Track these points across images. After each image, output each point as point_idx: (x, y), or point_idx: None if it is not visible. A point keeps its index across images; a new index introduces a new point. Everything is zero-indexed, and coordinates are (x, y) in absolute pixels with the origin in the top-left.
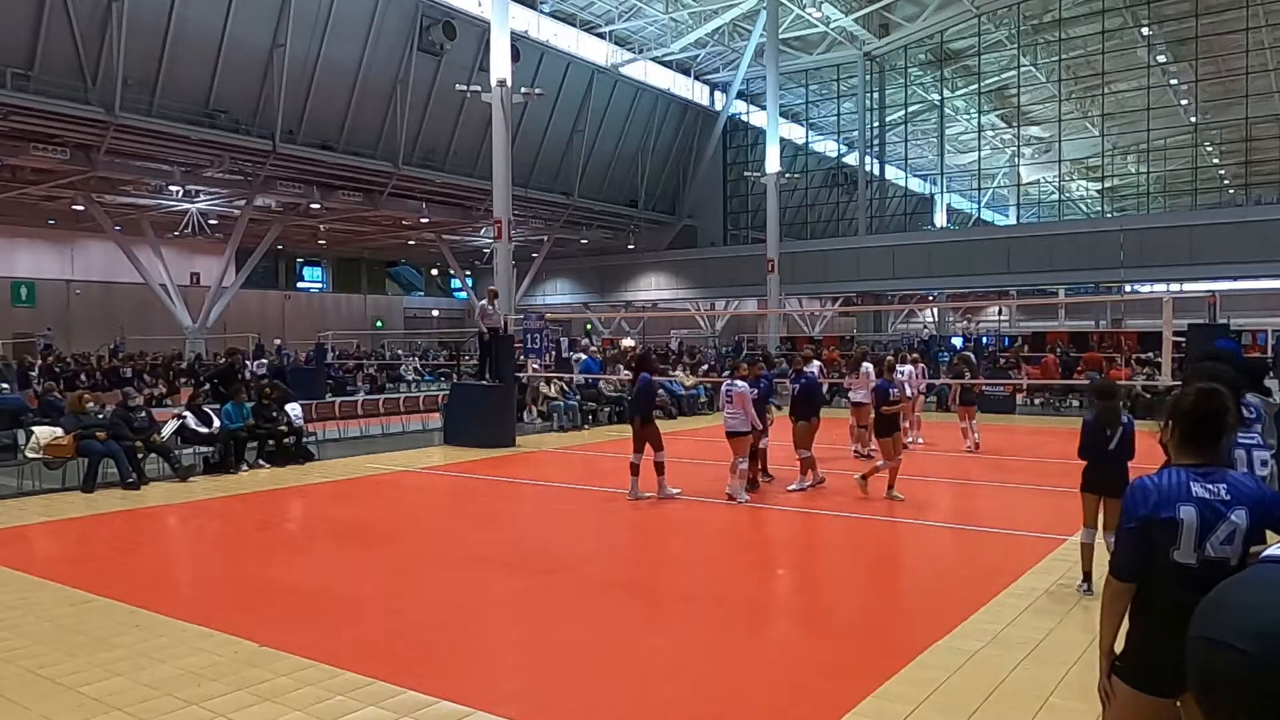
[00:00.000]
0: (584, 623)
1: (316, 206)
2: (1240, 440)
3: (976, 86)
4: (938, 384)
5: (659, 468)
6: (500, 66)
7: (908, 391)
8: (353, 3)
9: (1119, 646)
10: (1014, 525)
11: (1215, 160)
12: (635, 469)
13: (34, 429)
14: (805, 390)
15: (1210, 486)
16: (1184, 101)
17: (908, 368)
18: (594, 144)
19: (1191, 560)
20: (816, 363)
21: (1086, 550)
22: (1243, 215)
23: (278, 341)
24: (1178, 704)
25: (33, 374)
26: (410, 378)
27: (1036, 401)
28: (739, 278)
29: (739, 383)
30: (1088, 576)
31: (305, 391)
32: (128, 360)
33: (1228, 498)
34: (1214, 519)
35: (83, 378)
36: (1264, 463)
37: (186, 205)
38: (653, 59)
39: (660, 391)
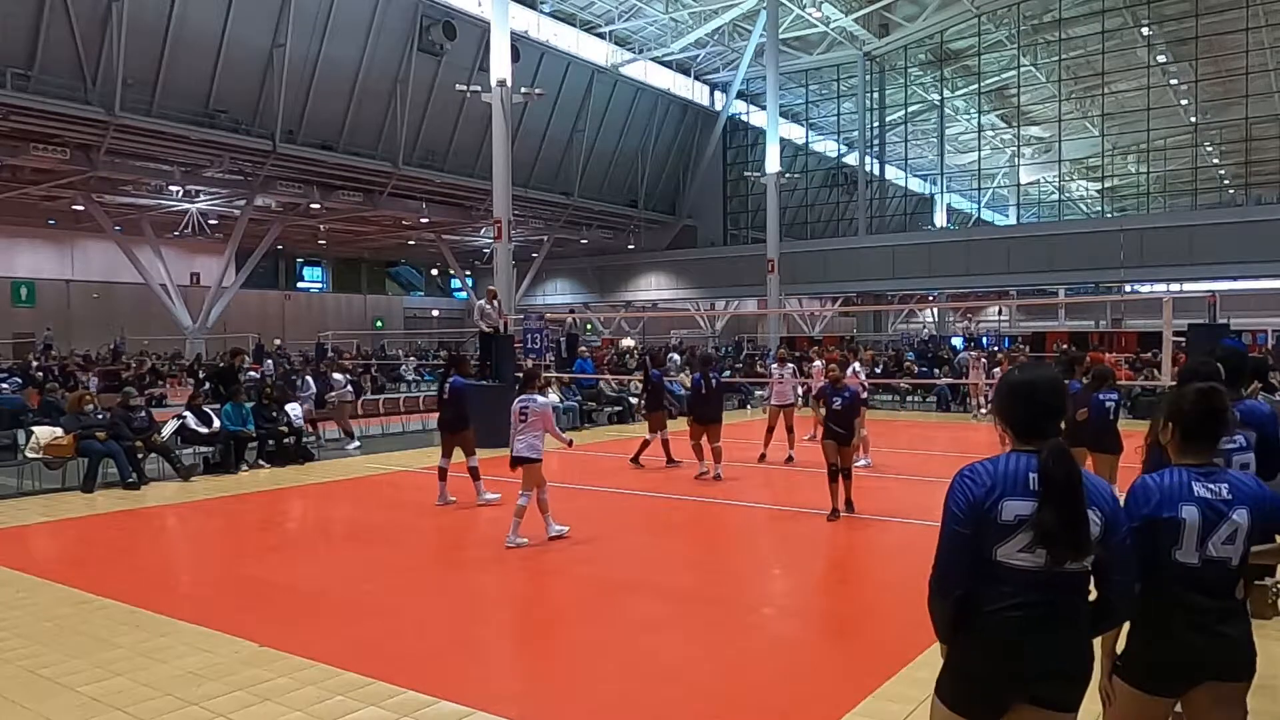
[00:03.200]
0: (584, 623)
1: (316, 206)
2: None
3: (976, 86)
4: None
5: (473, 473)
6: (500, 66)
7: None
8: (353, 3)
9: (1120, 646)
10: None
11: (1215, 160)
12: (443, 474)
13: (34, 429)
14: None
15: (1212, 486)
16: (1184, 101)
17: (856, 365)
18: (594, 144)
19: (1193, 560)
20: (857, 364)
21: None
22: (1243, 215)
23: (278, 342)
24: (1177, 705)
25: (37, 373)
26: (410, 377)
27: None
28: (739, 278)
29: (538, 398)
30: None
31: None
32: (117, 361)
33: (1229, 497)
34: (1216, 519)
35: (79, 376)
36: (1243, 465)
37: (186, 205)
38: (653, 59)
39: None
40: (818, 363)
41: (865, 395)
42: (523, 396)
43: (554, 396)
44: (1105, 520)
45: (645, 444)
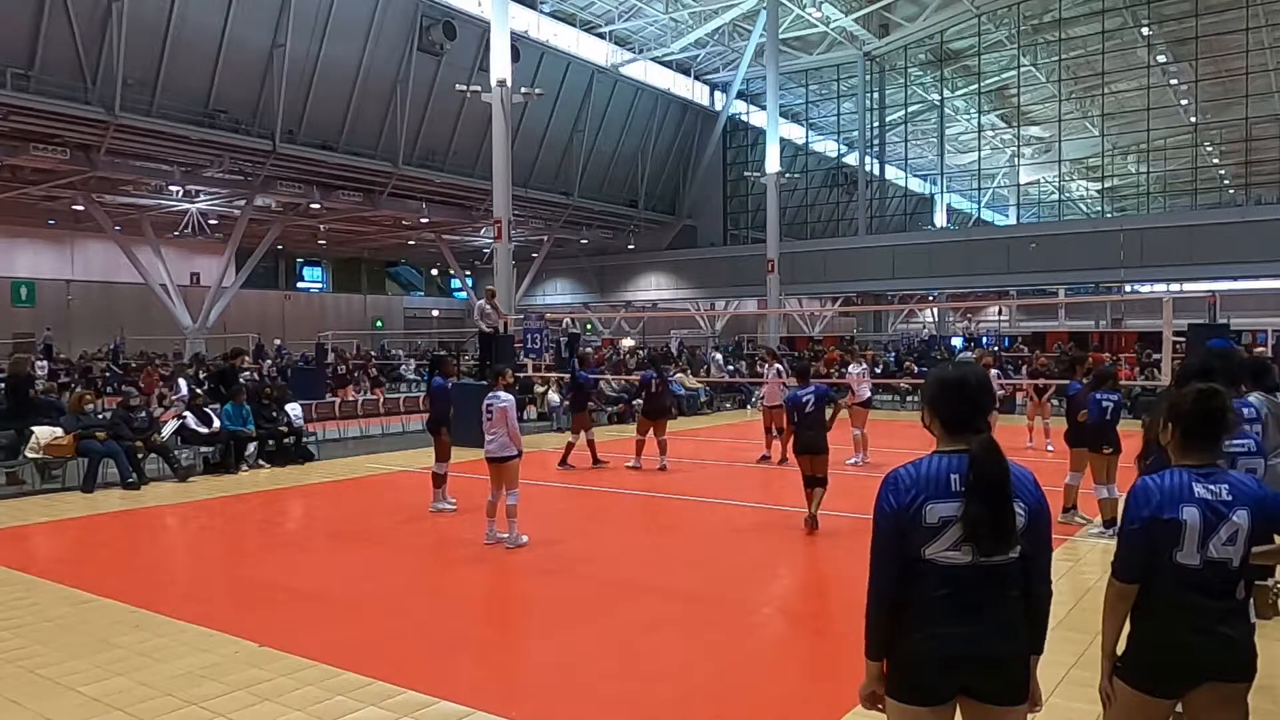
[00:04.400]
0: (584, 623)
1: (316, 206)
2: (1230, 448)
3: (976, 86)
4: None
5: (435, 479)
6: (500, 66)
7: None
8: (353, 3)
9: (1120, 647)
10: None
11: (1215, 160)
12: (437, 479)
13: (34, 429)
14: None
15: (1212, 487)
16: (1184, 101)
17: (860, 367)
18: (594, 144)
19: (1194, 561)
20: (855, 367)
21: (1070, 491)
22: (1243, 215)
23: (278, 342)
24: (1178, 706)
25: (39, 374)
26: (411, 377)
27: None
28: (739, 278)
29: (502, 394)
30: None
31: (305, 392)
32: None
33: (1229, 498)
34: (1216, 520)
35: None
36: (1250, 470)
37: (186, 205)
38: (653, 59)
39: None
40: (777, 366)
41: (869, 396)
42: (489, 394)
43: (554, 397)
44: (1029, 511)
45: (570, 446)
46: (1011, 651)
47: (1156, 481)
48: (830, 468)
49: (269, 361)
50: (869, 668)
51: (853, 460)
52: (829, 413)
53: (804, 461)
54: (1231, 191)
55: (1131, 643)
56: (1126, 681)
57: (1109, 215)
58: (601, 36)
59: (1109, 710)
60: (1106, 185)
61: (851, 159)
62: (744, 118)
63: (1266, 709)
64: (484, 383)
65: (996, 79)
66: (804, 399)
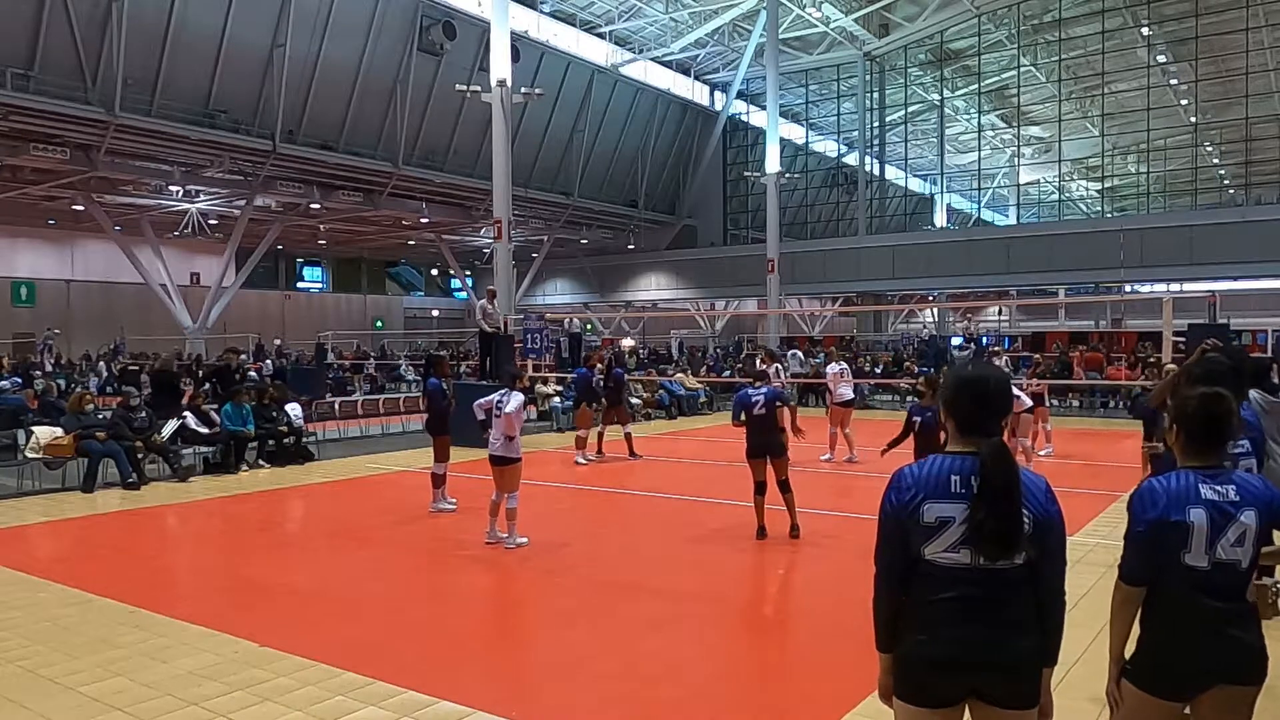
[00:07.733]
0: (584, 623)
1: (316, 206)
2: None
3: (976, 86)
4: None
5: (435, 479)
6: (500, 66)
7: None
8: (353, 3)
9: (1129, 650)
10: None
11: (1215, 160)
12: (436, 480)
13: (34, 429)
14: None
15: (1219, 488)
16: (1184, 101)
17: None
18: (594, 144)
19: (1203, 563)
20: (834, 366)
21: None
22: (1243, 215)
23: (278, 341)
24: (1186, 709)
25: (36, 374)
26: (411, 378)
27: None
28: (739, 278)
29: (514, 394)
30: None
31: (305, 392)
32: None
33: (1237, 499)
34: (1224, 521)
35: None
36: (1247, 469)
37: (186, 205)
38: (653, 59)
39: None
40: (776, 366)
41: (851, 396)
42: (500, 394)
43: (555, 399)
44: (1036, 519)
45: (628, 437)
46: (1019, 656)
47: (1163, 484)
48: (807, 466)
49: (269, 362)
50: (880, 660)
51: (825, 456)
52: (787, 415)
53: (758, 466)
54: (1231, 191)
55: (1140, 646)
56: (1135, 685)
57: (1109, 215)
58: (601, 36)
59: (1117, 714)
60: (1106, 185)
61: (851, 159)
62: (744, 118)
63: (1267, 709)
64: (484, 383)
65: (996, 79)
66: (754, 400)
